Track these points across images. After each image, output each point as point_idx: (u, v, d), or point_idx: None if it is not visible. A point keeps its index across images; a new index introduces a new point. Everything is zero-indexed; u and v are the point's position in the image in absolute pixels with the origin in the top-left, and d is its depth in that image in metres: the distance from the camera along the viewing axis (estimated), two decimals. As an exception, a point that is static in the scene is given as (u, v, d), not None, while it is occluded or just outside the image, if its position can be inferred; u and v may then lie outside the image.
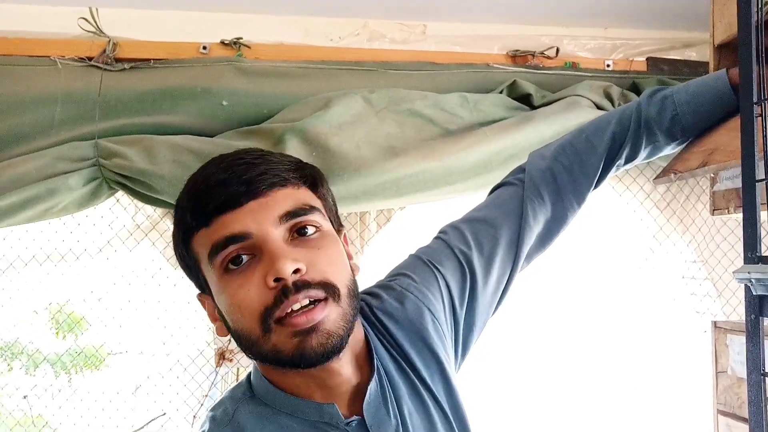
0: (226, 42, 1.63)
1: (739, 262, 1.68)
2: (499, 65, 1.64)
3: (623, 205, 1.67)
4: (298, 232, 0.73)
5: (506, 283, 0.94)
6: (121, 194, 1.60)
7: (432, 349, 0.83)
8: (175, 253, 0.81)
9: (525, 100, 1.59)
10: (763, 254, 0.69)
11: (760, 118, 0.71)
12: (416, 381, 0.82)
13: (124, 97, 1.54)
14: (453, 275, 0.89)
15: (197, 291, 0.82)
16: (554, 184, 0.96)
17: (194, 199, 0.74)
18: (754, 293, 0.68)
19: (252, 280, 0.70)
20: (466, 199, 1.59)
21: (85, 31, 1.61)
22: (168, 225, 1.64)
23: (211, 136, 1.52)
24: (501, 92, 1.59)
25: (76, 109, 1.53)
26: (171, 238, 0.82)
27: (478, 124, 1.52)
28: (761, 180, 0.69)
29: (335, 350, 0.71)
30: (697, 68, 1.65)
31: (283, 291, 0.68)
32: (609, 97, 1.56)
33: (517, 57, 1.67)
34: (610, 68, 1.67)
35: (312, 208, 0.74)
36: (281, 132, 1.44)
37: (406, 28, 1.69)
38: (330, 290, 0.71)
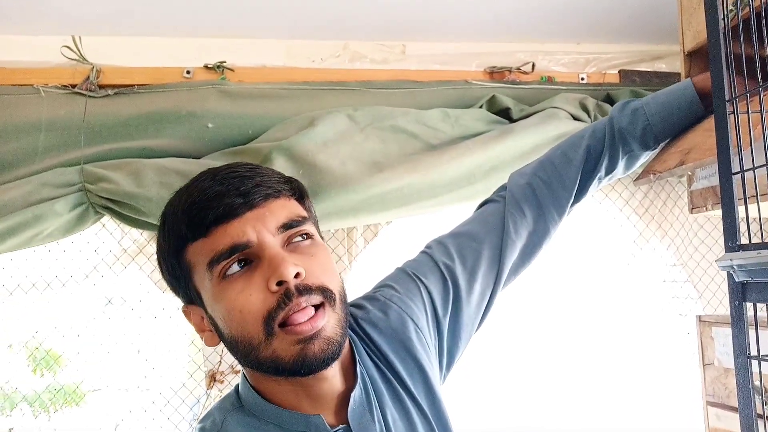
0: (209, 66, 1.65)
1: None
2: (478, 81, 1.69)
3: (603, 212, 1.71)
4: (293, 241, 0.76)
5: (490, 296, 0.96)
6: (107, 219, 1.60)
7: (415, 357, 0.86)
8: (162, 266, 0.82)
9: (504, 114, 1.64)
10: (742, 243, 0.72)
11: (732, 116, 0.75)
12: (399, 388, 0.84)
13: (109, 123, 1.55)
14: (436, 286, 0.92)
15: (182, 304, 0.83)
16: (534, 199, 1.00)
17: (191, 210, 0.75)
18: (736, 280, 0.71)
19: (253, 285, 0.72)
20: (451, 211, 1.62)
21: (68, 59, 1.62)
22: (155, 248, 1.64)
23: (197, 158, 1.53)
24: (481, 107, 1.63)
25: (60, 136, 1.53)
26: (156, 252, 0.83)
27: (460, 138, 1.56)
28: (737, 172, 0.73)
29: (335, 356, 0.74)
30: (667, 79, 1.72)
31: (286, 294, 0.71)
32: (585, 108, 1.61)
33: (495, 73, 1.72)
34: (584, 81, 1.73)
35: (305, 219, 0.78)
36: (268, 150, 1.46)
37: (385, 48, 1.74)
38: (327, 295, 0.74)
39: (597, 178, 1.02)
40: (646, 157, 1.03)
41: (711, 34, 0.78)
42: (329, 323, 0.73)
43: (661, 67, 1.77)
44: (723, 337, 1.14)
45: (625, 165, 1.03)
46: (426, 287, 0.91)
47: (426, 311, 0.90)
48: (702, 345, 1.20)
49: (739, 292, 0.71)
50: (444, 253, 0.95)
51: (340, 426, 0.78)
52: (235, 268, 0.73)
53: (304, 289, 0.72)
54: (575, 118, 1.59)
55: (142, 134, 1.55)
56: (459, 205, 1.58)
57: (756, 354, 0.70)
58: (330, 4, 1.55)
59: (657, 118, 0.97)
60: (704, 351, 1.20)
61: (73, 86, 1.59)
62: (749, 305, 0.72)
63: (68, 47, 1.62)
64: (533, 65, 1.72)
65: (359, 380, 0.81)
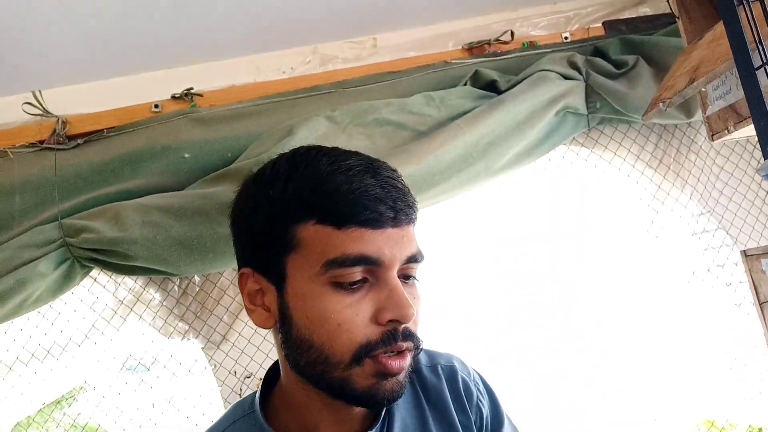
0: (177, 95, 1.58)
1: (747, 205, 1.62)
2: (457, 60, 1.60)
3: (615, 172, 1.60)
4: (407, 280, 0.72)
5: None
6: (97, 272, 1.51)
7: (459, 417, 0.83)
8: (253, 216, 0.73)
9: (491, 87, 1.55)
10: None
11: (741, 7, 0.66)
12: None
13: (83, 173, 1.47)
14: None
15: (244, 266, 0.74)
16: None
17: (339, 193, 0.68)
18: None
19: (363, 305, 0.68)
20: (456, 200, 1.52)
21: (31, 116, 1.55)
22: (152, 294, 1.55)
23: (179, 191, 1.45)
24: (465, 84, 1.54)
25: (35, 196, 1.46)
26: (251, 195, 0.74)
27: (449, 119, 1.47)
28: (759, 66, 0.63)
29: (399, 398, 0.71)
30: (654, 21, 1.62)
31: (393, 334, 0.68)
32: (574, 65, 1.52)
33: (474, 48, 1.63)
34: (568, 40, 1.63)
35: (422, 256, 0.73)
36: (249, 168, 1.37)
37: (356, 45, 1.66)
38: (417, 344, 0.71)
39: None
40: None
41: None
42: (407, 368, 0.71)
43: (646, 11, 1.67)
44: (776, 268, 1.02)
45: None
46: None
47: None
48: (753, 281, 1.07)
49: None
50: None
51: None
52: (352, 279, 0.68)
53: (410, 335, 0.69)
54: (566, 77, 1.49)
55: (118, 178, 1.47)
56: (462, 191, 1.48)
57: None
58: (292, 10, 1.48)
59: None
60: (757, 288, 1.07)
61: (41, 142, 1.52)
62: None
63: (29, 103, 1.55)
64: (512, 33, 1.63)
65: (379, 423, 0.78)
